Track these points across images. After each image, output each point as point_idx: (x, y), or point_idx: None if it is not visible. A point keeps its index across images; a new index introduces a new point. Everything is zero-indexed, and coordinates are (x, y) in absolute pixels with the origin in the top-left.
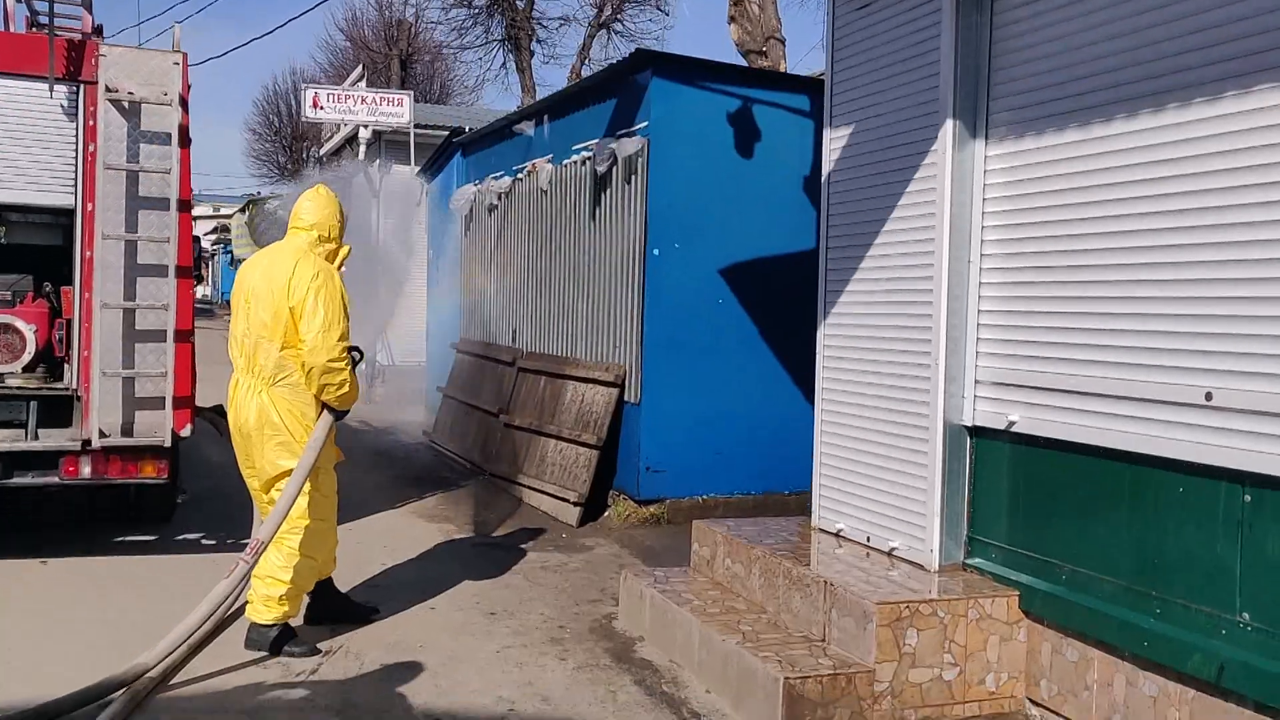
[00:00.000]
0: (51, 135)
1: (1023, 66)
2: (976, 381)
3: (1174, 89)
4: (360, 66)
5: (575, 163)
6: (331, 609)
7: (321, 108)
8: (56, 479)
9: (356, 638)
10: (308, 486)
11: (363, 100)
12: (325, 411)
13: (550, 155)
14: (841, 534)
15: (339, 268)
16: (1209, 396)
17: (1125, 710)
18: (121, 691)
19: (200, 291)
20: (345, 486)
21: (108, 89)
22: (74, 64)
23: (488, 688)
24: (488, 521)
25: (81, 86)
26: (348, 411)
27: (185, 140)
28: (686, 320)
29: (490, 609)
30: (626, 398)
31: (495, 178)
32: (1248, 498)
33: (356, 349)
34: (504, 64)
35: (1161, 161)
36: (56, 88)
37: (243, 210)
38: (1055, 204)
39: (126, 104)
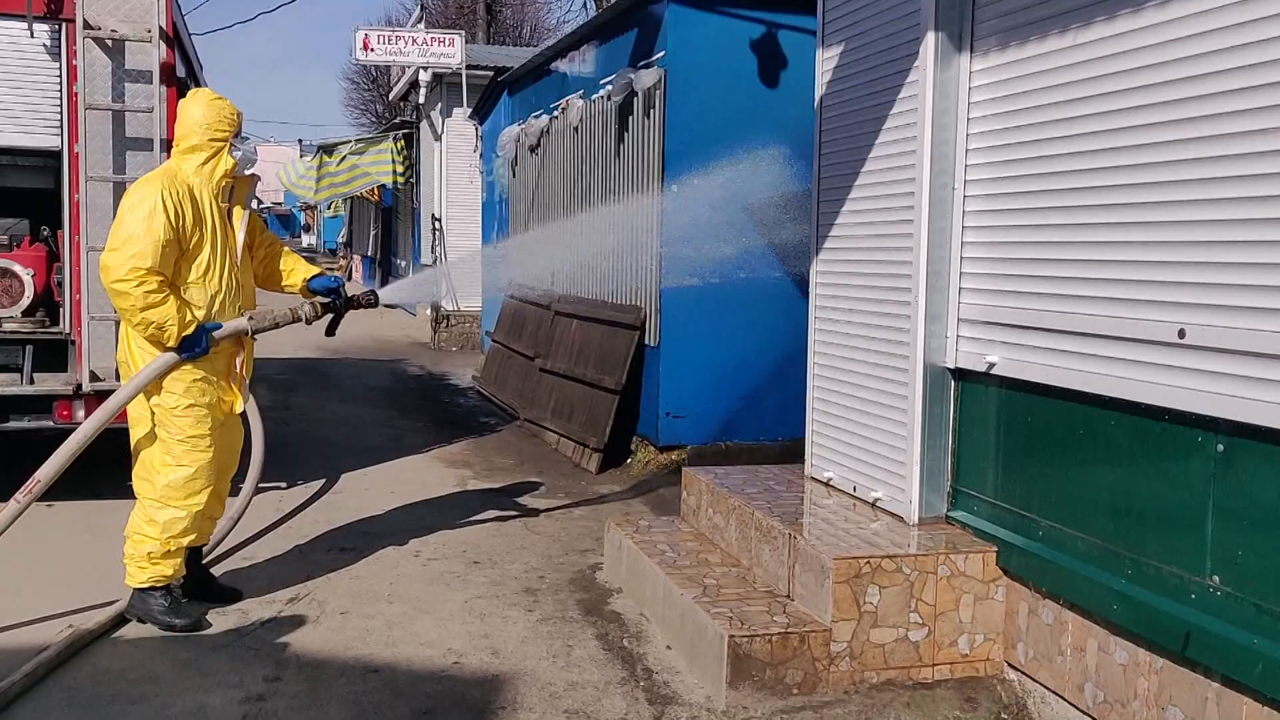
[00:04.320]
0: (36, 75)
1: None
2: (960, 320)
3: None
4: (419, 8)
5: (601, 98)
6: (193, 584)
7: (372, 49)
8: (51, 423)
9: (323, 583)
10: (163, 433)
11: (413, 41)
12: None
13: (581, 91)
14: (831, 483)
15: (222, 180)
16: (1182, 334)
17: (1097, 678)
18: (63, 642)
19: (305, 240)
20: (378, 431)
21: (88, 26)
22: (53, 1)
23: (441, 639)
24: (507, 467)
25: (62, 25)
26: (196, 352)
27: (170, 78)
28: (707, 259)
29: (475, 558)
30: (646, 340)
31: (535, 116)
32: (1220, 447)
33: (338, 296)
34: (584, 5)
35: (1142, 68)
36: (37, 26)
37: (316, 155)
38: (1041, 120)
39: (109, 42)
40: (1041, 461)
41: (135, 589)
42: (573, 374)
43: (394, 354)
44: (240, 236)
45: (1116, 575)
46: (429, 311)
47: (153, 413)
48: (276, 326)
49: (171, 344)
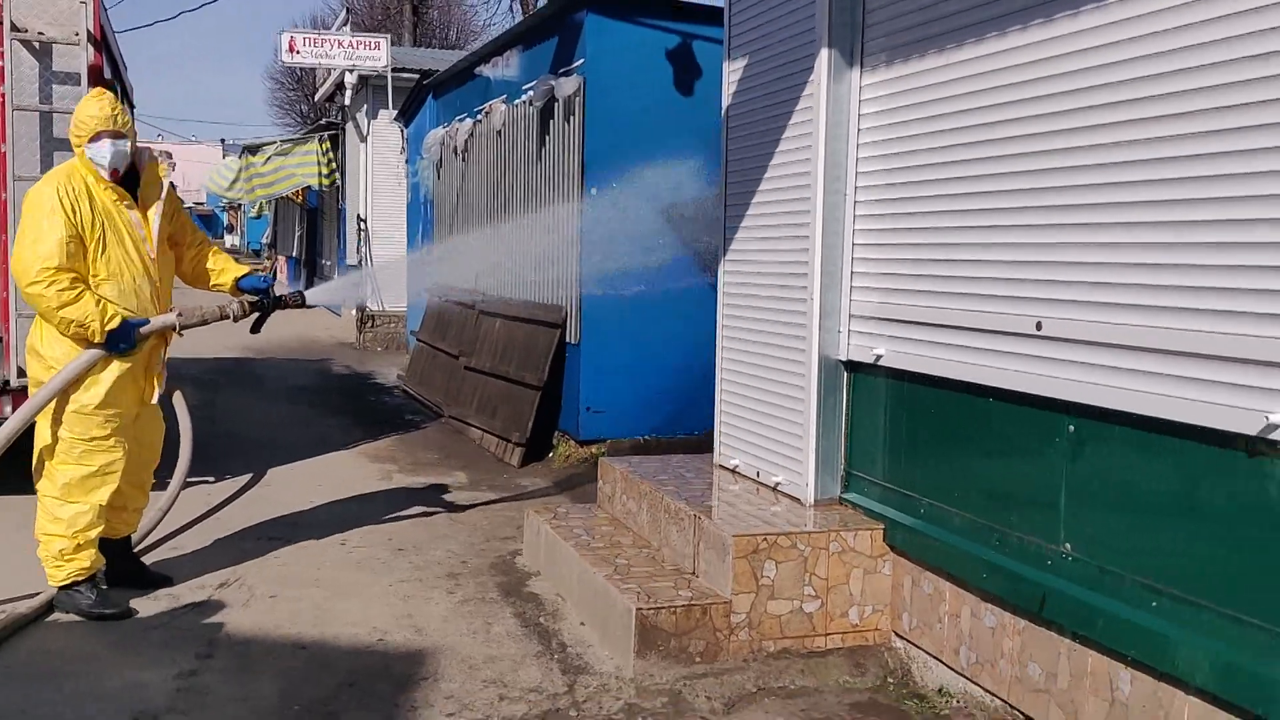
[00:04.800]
0: None
1: None
2: (852, 316)
3: (1009, 13)
4: (345, 10)
5: (524, 103)
6: (123, 571)
7: (297, 52)
8: None
9: (251, 569)
10: (65, 432)
11: (339, 44)
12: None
13: (505, 96)
14: (737, 470)
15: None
16: (1039, 326)
17: (970, 641)
18: None
19: (229, 241)
20: (304, 429)
21: (14, 28)
22: None
23: (366, 619)
24: (431, 462)
25: None
26: (123, 347)
27: (97, 80)
28: (624, 260)
29: (400, 545)
30: (567, 339)
31: (460, 120)
32: (1071, 428)
33: (272, 295)
34: (510, 6)
35: (1003, 86)
36: None
37: (240, 155)
38: (918, 132)
39: (37, 44)
40: (922, 445)
41: (59, 586)
42: (496, 371)
43: (320, 354)
44: (155, 233)
45: (986, 547)
46: (354, 312)
47: (57, 411)
48: (204, 323)
49: (97, 339)
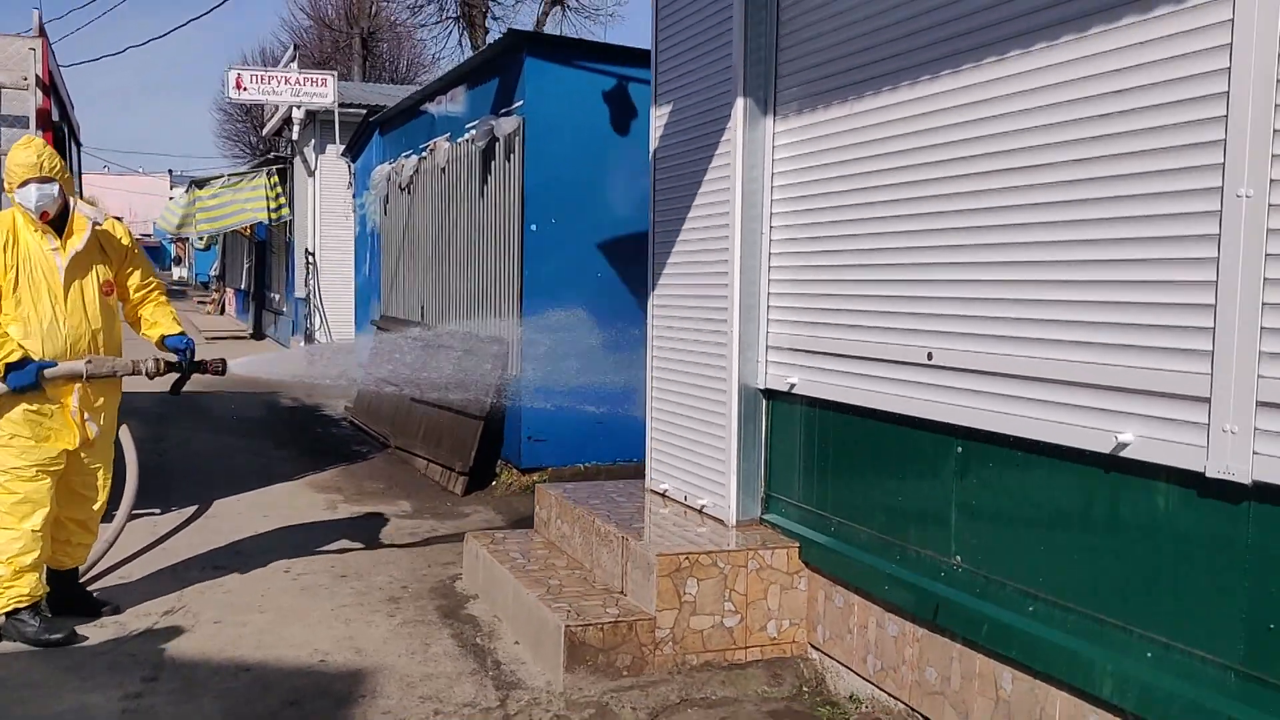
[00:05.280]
0: None
1: (806, 44)
2: (769, 347)
3: (900, 70)
4: (293, 47)
5: (466, 141)
6: (70, 599)
7: (245, 89)
8: None
9: (197, 596)
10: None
11: (286, 80)
12: None
13: (449, 134)
14: (667, 494)
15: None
16: (930, 356)
17: (876, 649)
18: None
19: (176, 273)
20: (251, 460)
21: None
22: None
23: (308, 641)
24: (376, 492)
25: None
26: (19, 385)
27: (45, 123)
28: (564, 294)
29: (343, 572)
30: (508, 370)
31: (405, 156)
32: (959, 449)
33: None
34: (460, 41)
35: (893, 137)
36: None
37: (188, 189)
38: (823, 177)
39: None
40: (832, 467)
41: (3, 614)
42: (440, 402)
43: (268, 387)
44: (61, 275)
45: (889, 561)
46: (301, 343)
47: None
48: (114, 375)
49: None
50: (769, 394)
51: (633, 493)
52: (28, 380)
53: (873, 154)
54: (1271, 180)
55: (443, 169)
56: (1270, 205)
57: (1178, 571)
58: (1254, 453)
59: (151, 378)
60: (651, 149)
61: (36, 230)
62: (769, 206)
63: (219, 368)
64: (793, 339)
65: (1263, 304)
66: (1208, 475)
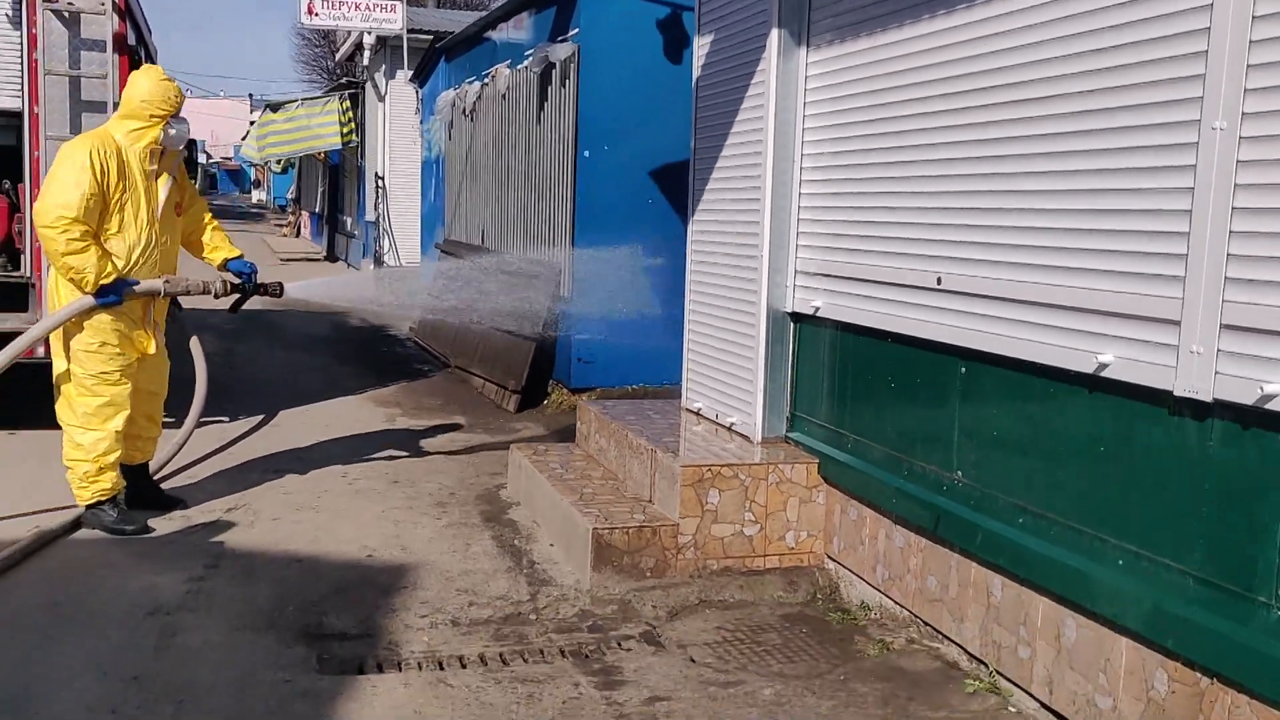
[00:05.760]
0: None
1: None
2: (797, 272)
3: (916, 4)
4: None
5: (525, 68)
6: (142, 494)
7: (316, 14)
8: None
9: (257, 496)
10: (78, 369)
11: (356, 6)
12: (84, 293)
13: (509, 60)
14: (700, 412)
15: (147, 149)
16: (939, 281)
17: (884, 559)
18: (32, 536)
19: (255, 196)
20: (317, 376)
21: None
22: None
23: (358, 539)
24: (434, 407)
25: None
26: (107, 300)
27: (122, 47)
28: (616, 220)
29: (395, 478)
30: (561, 292)
31: (469, 82)
32: (963, 369)
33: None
34: None
35: (911, 70)
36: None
37: (266, 111)
38: (851, 108)
39: (66, 13)
40: (850, 387)
41: (86, 506)
42: (497, 324)
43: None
44: (162, 200)
45: (897, 476)
46: (371, 266)
47: (68, 349)
48: (187, 294)
49: (89, 290)
50: (796, 317)
51: (668, 411)
52: (115, 298)
53: (894, 84)
54: (1243, 113)
55: (503, 95)
56: (1241, 137)
57: (1147, 485)
58: (1216, 372)
59: (218, 297)
60: (694, 78)
61: (143, 156)
62: (800, 136)
63: (277, 290)
64: (819, 264)
65: (1230, 231)
66: (1176, 394)
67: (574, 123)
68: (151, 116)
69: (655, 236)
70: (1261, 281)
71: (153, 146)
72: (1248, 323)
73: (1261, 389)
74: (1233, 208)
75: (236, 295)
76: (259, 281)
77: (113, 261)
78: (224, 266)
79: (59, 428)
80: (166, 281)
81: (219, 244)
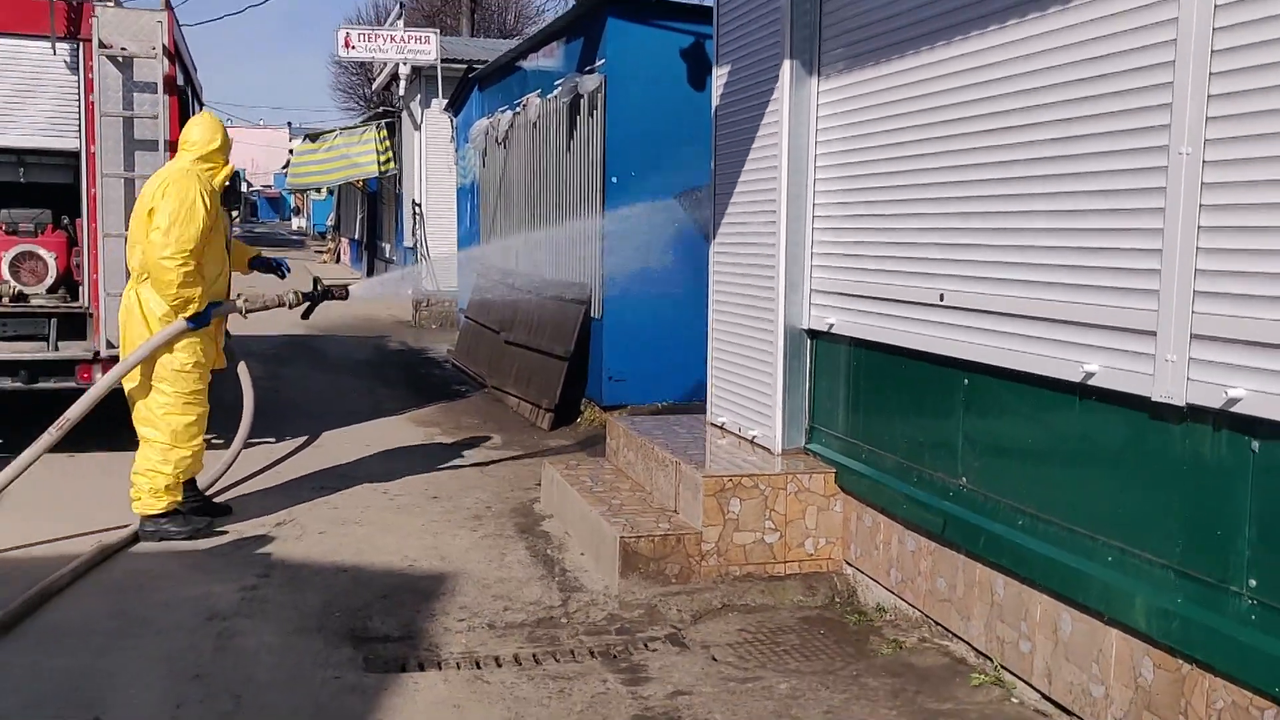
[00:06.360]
0: (58, 88)
1: (846, 8)
2: (812, 290)
3: (919, 36)
4: (399, 5)
5: (554, 98)
6: (194, 505)
7: (353, 47)
8: (73, 383)
9: (304, 511)
10: (169, 388)
11: (391, 39)
12: (180, 318)
13: (540, 90)
14: (724, 426)
15: (221, 185)
16: (942, 297)
17: (896, 563)
18: (94, 550)
19: (295, 223)
20: (359, 398)
21: (102, 45)
22: (72, 24)
23: (400, 550)
24: (471, 426)
25: (80, 44)
26: (200, 323)
27: (172, 89)
28: (643, 243)
29: (435, 494)
30: (592, 314)
31: (502, 111)
32: (966, 381)
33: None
34: None
35: (915, 97)
36: (59, 46)
37: (305, 140)
38: (860, 134)
39: (120, 58)
40: (863, 400)
41: (149, 515)
42: (531, 344)
43: (378, 331)
44: (228, 234)
45: (907, 483)
46: (410, 293)
47: (152, 371)
48: (265, 309)
49: (187, 315)
50: (812, 334)
51: (693, 426)
52: (206, 320)
53: (898, 113)
54: (1206, 139)
55: (534, 124)
56: (1204, 161)
57: (1131, 486)
58: (1188, 379)
59: (291, 307)
60: (714, 106)
61: (217, 190)
62: (813, 161)
63: (343, 294)
64: (833, 283)
65: (1197, 248)
66: (1154, 399)
67: (602, 149)
68: (223, 156)
69: (681, 256)
70: (1225, 294)
71: (223, 184)
72: (1214, 332)
73: (1226, 393)
74: (1199, 226)
75: (307, 303)
76: (327, 286)
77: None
78: (251, 266)
79: (114, 448)
80: (245, 300)
81: (241, 250)
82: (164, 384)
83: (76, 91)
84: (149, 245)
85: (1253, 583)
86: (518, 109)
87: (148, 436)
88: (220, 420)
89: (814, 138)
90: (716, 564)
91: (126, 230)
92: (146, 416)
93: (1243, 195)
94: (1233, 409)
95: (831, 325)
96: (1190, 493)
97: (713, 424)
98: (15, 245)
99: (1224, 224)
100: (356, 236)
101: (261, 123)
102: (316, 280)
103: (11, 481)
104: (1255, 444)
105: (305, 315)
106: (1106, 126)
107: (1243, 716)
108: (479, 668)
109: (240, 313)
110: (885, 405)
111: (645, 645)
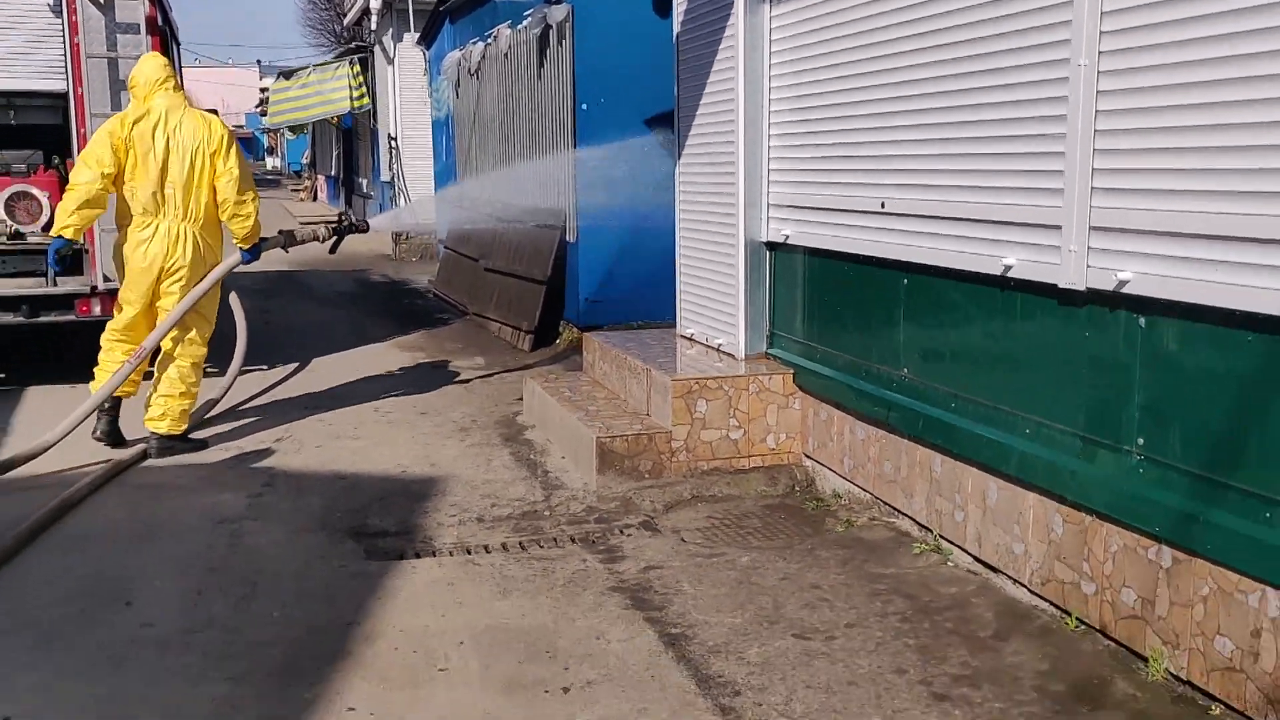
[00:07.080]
0: (44, 31)
1: None
2: (770, 205)
3: None
4: None
5: (524, 29)
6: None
7: None
8: (73, 316)
9: (301, 428)
10: (202, 321)
11: None
12: (239, 252)
13: (510, 21)
14: (692, 337)
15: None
16: (883, 204)
17: (849, 451)
18: (108, 466)
19: (270, 163)
20: (345, 327)
21: None
22: None
23: (393, 459)
24: (455, 350)
25: None
26: (254, 256)
27: (153, 29)
28: (614, 168)
29: (423, 410)
30: (567, 238)
31: (473, 43)
32: (905, 281)
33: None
34: None
35: (860, 19)
36: None
37: (280, 78)
38: (808, 55)
39: (102, 1)
40: (817, 304)
41: (165, 434)
42: (509, 270)
43: (359, 265)
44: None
45: (856, 378)
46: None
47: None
48: (303, 242)
49: (251, 245)
50: (770, 245)
51: (664, 338)
52: (258, 255)
53: (841, 34)
54: (1100, 52)
55: (505, 55)
56: (1099, 71)
57: (1045, 365)
58: (1088, 266)
59: (324, 241)
60: (675, 34)
61: None
62: (768, 82)
63: (364, 227)
64: (788, 197)
65: (1094, 149)
66: (1060, 286)
67: (571, 78)
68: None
69: (650, 180)
70: (1116, 188)
71: None
72: (1107, 224)
73: (1116, 276)
74: (1095, 130)
75: (334, 237)
76: (351, 220)
77: None
78: None
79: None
80: (288, 235)
81: None
82: (201, 318)
83: (61, 34)
84: (228, 187)
85: (1140, 441)
86: (489, 41)
87: (181, 364)
88: (214, 351)
89: (768, 60)
90: (686, 460)
91: None
92: (182, 348)
93: (1131, 101)
94: (1123, 290)
95: (787, 237)
96: (1092, 367)
97: (682, 335)
98: (9, 186)
99: (1115, 127)
100: (333, 173)
101: (230, 62)
102: (341, 214)
103: (95, 410)
104: (1142, 320)
105: (333, 250)
106: (1017, 43)
107: (1132, 556)
108: (470, 554)
109: (283, 248)
110: (836, 308)
111: (621, 531)
